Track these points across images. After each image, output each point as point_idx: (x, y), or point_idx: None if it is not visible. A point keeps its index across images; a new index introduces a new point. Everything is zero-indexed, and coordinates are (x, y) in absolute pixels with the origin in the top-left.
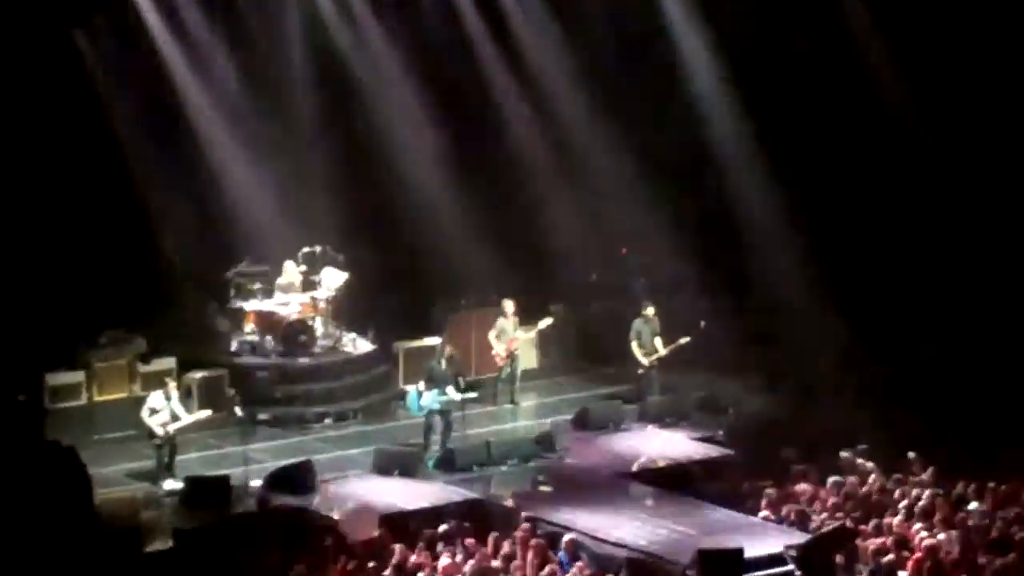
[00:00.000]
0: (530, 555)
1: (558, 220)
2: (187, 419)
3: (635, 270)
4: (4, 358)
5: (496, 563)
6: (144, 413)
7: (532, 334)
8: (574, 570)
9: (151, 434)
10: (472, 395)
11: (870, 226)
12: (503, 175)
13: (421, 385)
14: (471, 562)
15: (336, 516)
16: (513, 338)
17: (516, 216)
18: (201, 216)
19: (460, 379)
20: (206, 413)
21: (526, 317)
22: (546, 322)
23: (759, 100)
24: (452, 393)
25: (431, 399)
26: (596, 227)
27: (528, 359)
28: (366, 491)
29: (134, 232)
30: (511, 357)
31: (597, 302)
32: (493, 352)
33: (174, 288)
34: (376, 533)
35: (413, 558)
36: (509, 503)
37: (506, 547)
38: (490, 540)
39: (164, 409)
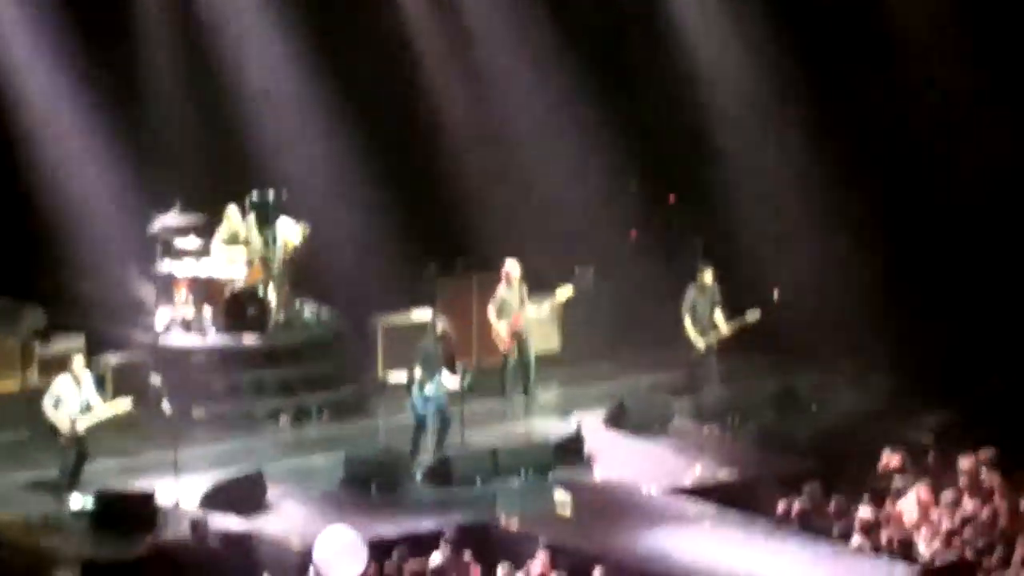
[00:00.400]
0: None
1: (584, 163)
2: (103, 412)
3: (686, 225)
4: None
5: None
6: (47, 404)
7: (548, 308)
8: None
9: (54, 432)
10: (469, 379)
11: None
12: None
13: (418, 372)
14: None
15: (309, 550)
16: (519, 313)
17: (531, 155)
18: (116, 152)
19: (459, 364)
20: (126, 403)
21: (543, 286)
22: (565, 292)
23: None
24: (448, 381)
25: (434, 389)
26: (635, 173)
27: (546, 340)
28: (334, 511)
29: (26, 176)
30: (518, 339)
31: (636, 267)
32: (494, 332)
33: (82, 247)
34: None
35: None
36: (521, 528)
37: None
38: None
39: (73, 397)
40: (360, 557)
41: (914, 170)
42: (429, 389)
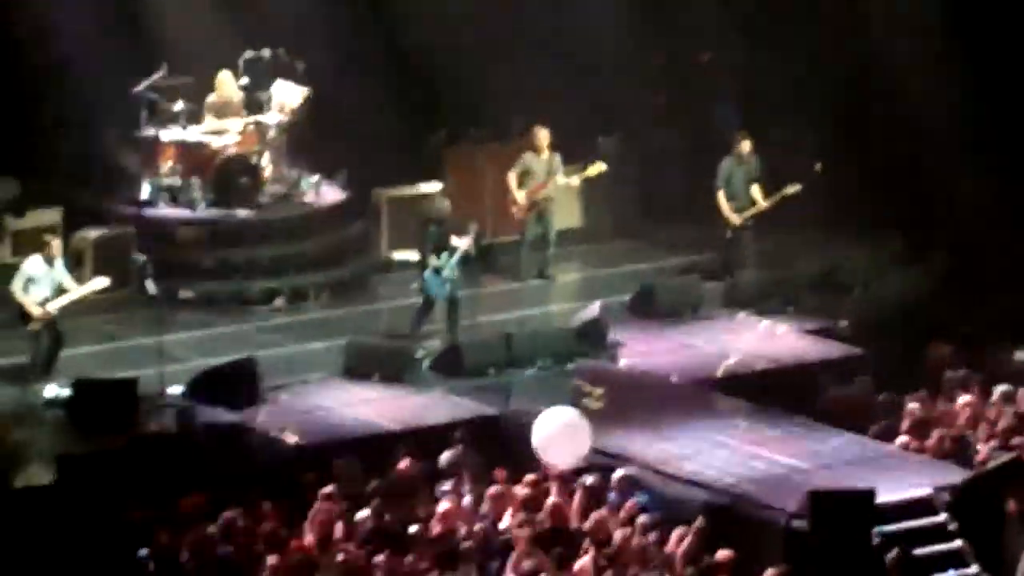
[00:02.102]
0: (565, 495)
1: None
2: (76, 292)
3: (723, 88)
4: None
5: (515, 510)
6: (16, 286)
7: (575, 181)
8: (625, 514)
9: (24, 316)
10: (472, 233)
11: None
12: None
13: (433, 257)
14: (483, 506)
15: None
16: (542, 183)
17: (549, 16)
18: (97, 4)
19: (472, 225)
20: (103, 282)
21: (567, 159)
22: (597, 168)
23: None
24: (461, 244)
25: (450, 266)
26: (659, 20)
27: (567, 215)
28: (334, 402)
29: None
30: (538, 210)
31: (666, 133)
32: (510, 200)
33: (59, 110)
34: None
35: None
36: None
37: (530, 485)
38: (506, 474)
39: (45, 279)
40: (583, 439)
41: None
42: (447, 272)
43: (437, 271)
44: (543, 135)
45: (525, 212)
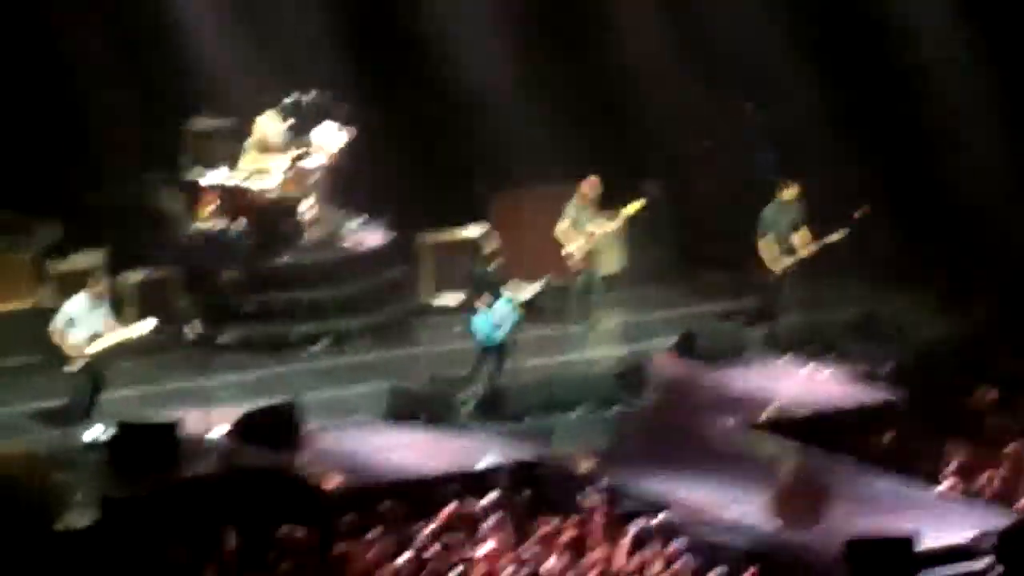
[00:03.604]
0: (609, 539)
1: (656, 67)
2: (119, 335)
3: (765, 134)
4: None
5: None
6: (58, 325)
7: (616, 225)
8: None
9: (67, 357)
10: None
11: None
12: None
13: (485, 299)
14: (524, 548)
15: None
16: (592, 232)
17: (595, 57)
18: (137, 48)
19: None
20: (147, 326)
21: (608, 202)
22: (635, 205)
23: None
24: (522, 292)
25: (506, 311)
26: (712, 75)
27: (609, 260)
28: (376, 446)
29: (42, 79)
30: (585, 256)
31: (708, 178)
32: (565, 251)
33: (103, 154)
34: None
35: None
36: (579, 466)
37: (573, 528)
38: (550, 518)
39: (86, 319)
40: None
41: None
42: (502, 314)
43: (486, 316)
44: (592, 185)
45: (582, 263)
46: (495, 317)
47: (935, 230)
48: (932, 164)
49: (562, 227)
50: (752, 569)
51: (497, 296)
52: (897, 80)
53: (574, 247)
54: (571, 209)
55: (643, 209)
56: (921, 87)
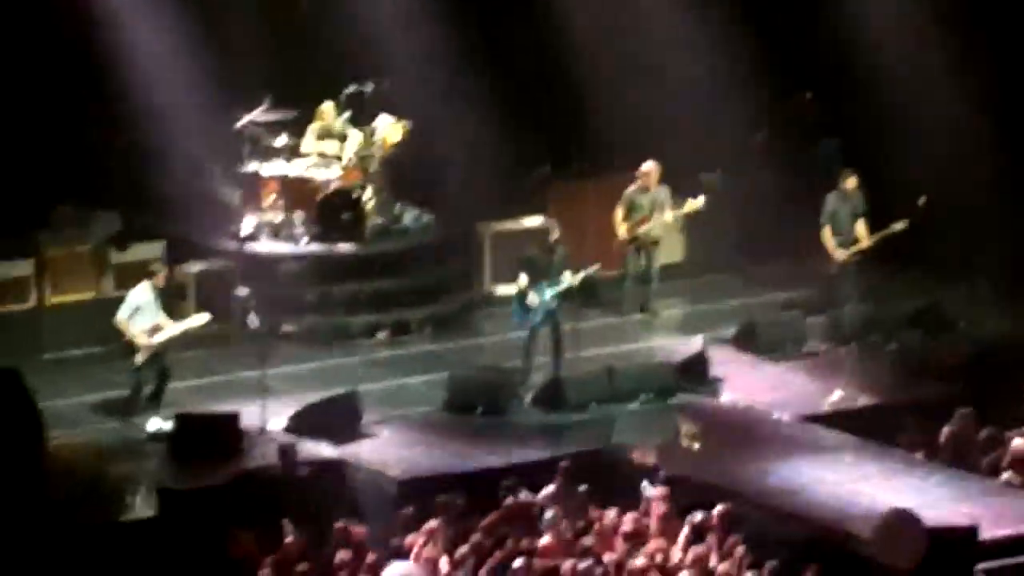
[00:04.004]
0: (667, 531)
1: (716, 57)
2: (178, 327)
3: (827, 123)
4: None
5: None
6: (123, 315)
7: (669, 217)
8: (726, 549)
9: (131, 349)
10: (592, 270)
11: None
12: None
13: (523, 280)
14: (585, 540)
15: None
16: (645, 216)
17: (655, 52)
18: (200, 41)
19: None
20: (203, 318)
21: (670, 193)
22: (697, 203)
23: None
24: (568, 278)
25: (541, 297)
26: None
27: (670, 250)
28: (435, 438)
29: (101, 70)
30: (638, 244)
31: (768, 169)
32: (616, 238)
33: (162, 146)
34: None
35: (502, 532)
36: (640, 456)
37: (633, 520)
38: (609, 509)
39: (150, 309)
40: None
41: None
42: (532, 299)
43: (522, 301)
44: (653, 169)
45: (625, 246)
46: (530, 299)
47: (998, 222)
48: (995, 156)
49: (618, 212)
50: (815, 566)
51: (542, 283)
52: (959, 71)
53: (623, 231)
54: (629, 193)
55: (700, 211)
56: (984, 78)
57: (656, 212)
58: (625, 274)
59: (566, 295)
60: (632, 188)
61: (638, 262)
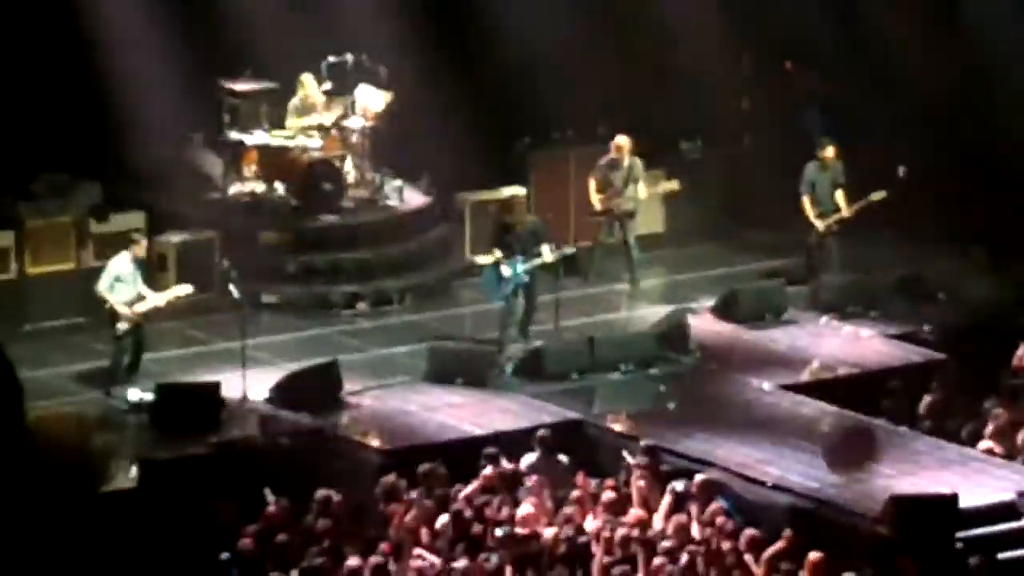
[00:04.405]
0: (649, 499)
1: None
2: (159, 298)
3: (810, 93)
4: None
5: (599, 514)
6: (103, 285)
7: (643, 194)
8: (707, 517)
9: (112, 318)
10: (570, 251)
11: None
12: None
13: (497, 252)
14: (566, 509)
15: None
16: (617, 190)
17: (634, 20)
18: (182, 11)
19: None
20: (184, 290)
21: (652, 162)
22: (671, 185)
23: None
24: (546, 253)
25: (515, 271)
26: (749, 31)
27: (651, 220)
28: (417, 406)
29: (83, 38)
30: (614, 216)
31: (750, 138)
32: (591, 209)
33: (143, 115)
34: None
35: (483, 501)
36: (621, 426)
37: (613, 489)
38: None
39: (131, 279)
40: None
41: None
42: (505, 271)
43: (496, 273)
44: (624, 142)
45: (597, 216)
46: (504, 271)
47: (980, 191)
48: (979, 125)
49: (592, 184)
50: (788, 531)
51: (516, 256)
52: (946, 41)
53: (597, 202)
54: (604, 166)
55: (677, 192)
56: (963, 47)
57: (631, 184)
58: (598, 243)
59: (541, 269)
60: (604, 160)
61: (610, 234)
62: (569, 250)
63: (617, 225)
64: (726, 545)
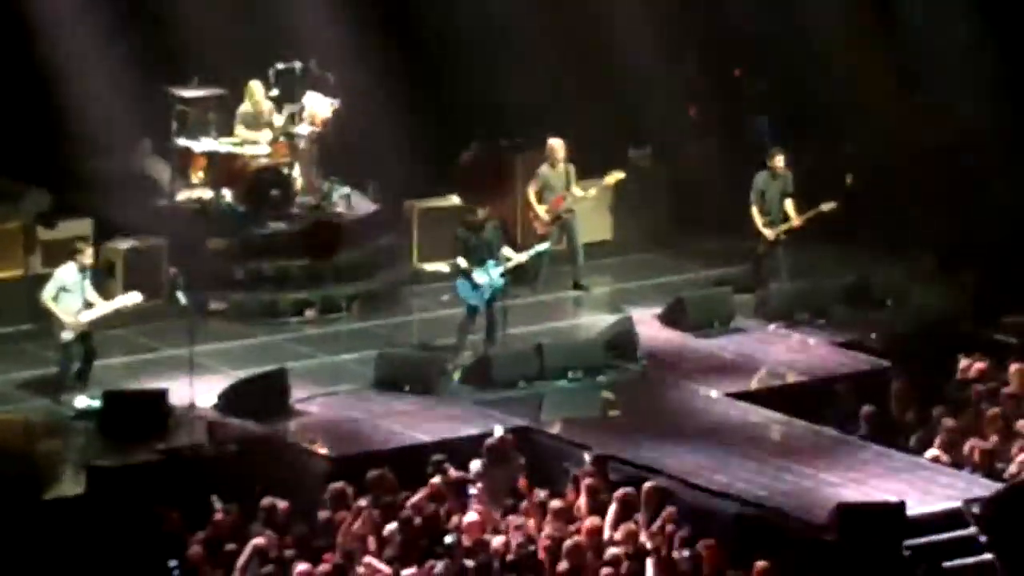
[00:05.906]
0: (597, 507)
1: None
2: (107, 306)
3: (757, 102)
4: None
5: (547, 521)
6: (48, 294)
7: (595, 191)
8: (656, 526)
9: (58, 326)
10: (544, 247)
11: None
12: None
13: (462, 261)
14: (512, 518)
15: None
16: (562, 196)
17: (581, 25)
18: (129, 18)
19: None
20: (134, 298)
21: (594, 168)
22: (615, 176)
23: None
24: (517, 255)
25: (489, 275)
26: (696, 37)
27: (596, 227)
28: (364, 414)
29: (29, 44)
30: (563, 225)
31: (698, 145)
32: (532, 216)
33: (90, 122)
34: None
35: (431, 509)
36: (568, 434)
37: (562, 497)
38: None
39: (77, 288)
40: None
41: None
42: (480, 278)
43: (469, 279)
44: (558, 147)
45: (548, 226)
46: (477, 278)
47: (927, 199)
48: (925, 132)
49: (531, 191)
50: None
51: (485, 262)
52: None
53: (542, 211)
54: (541, 171)
55: (623, 181)
56: (912, 55)
57: (568, 188)
58: (543, 251)
59: (515, 271)
60: (543, 166)
61: (558, 240)
62: (542, 247)
63: (558, 230)
64: (676, 551)
